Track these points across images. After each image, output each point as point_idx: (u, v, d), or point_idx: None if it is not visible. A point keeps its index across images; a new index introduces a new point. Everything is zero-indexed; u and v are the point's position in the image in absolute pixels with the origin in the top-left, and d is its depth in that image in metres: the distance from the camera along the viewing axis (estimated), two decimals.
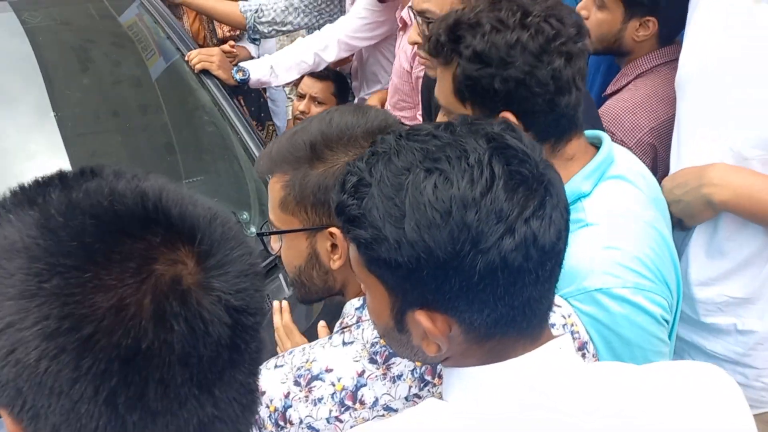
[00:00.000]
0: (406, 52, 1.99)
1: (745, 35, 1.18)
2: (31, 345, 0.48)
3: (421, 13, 1.43)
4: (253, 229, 1.77)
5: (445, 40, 1.00)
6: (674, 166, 1.28)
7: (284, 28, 2.50)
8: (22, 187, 0.56)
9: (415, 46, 1.68)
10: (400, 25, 2.08)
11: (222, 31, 2.99)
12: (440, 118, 1.07)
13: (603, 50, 1.56)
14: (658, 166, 1.43)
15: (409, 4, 1.63)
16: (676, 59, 1.33)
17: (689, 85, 1.26)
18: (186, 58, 2.13)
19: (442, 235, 0.62)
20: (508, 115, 0.98)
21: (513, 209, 0.63)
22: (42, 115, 1.90)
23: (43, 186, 0.55)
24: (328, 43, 2.24)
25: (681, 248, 1.28)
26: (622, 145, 1.30)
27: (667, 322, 1.02)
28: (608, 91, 1.57)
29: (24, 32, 2.02)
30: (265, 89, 2.91)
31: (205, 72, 2.13)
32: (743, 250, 1.23)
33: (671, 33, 1.51)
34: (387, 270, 0.66)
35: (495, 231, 0.62)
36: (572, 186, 1.02)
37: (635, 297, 0.97)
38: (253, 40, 2.63)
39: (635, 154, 1.34)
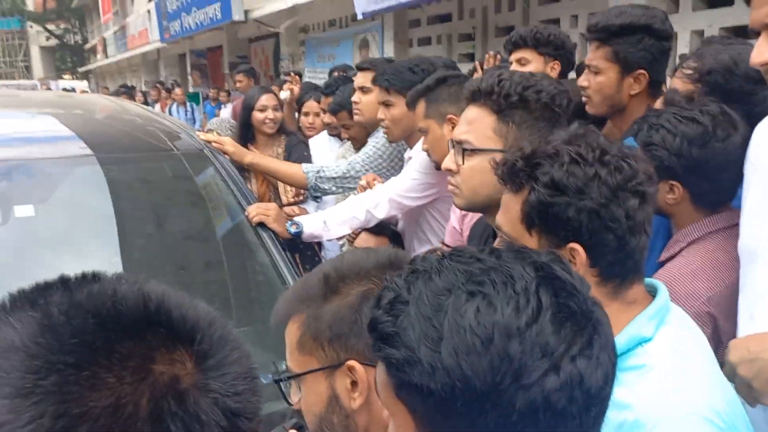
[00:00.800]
0: (456, 213, 2.04)
1: None
2: None
3: (458, 143, 1.46)
4: None
5: (521, 166, 1.01)
6: (744, 331, 1.20)
7: (345, 185, 2.64)
8: (22, 291, 0.57)
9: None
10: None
11: (286, 197, 3.16)
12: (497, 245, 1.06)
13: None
14: (721, 336, 1.35)
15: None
16: (730, 226, 1.31)
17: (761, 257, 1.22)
18: (245, 213, 2.23)
19: (482, 364, 0.58)
20: (577, 247, 0.97)
21: (560, 344, 0.59)
22: (110, 265, 1.99)
23: (44, 289, 0.56)
24: (380, 201, 2.32)
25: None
26: None
27: None
28: (662, 257, 1.54)
29: (106, 183, 2.18)
30: (320, 248, 3.00)
31: (262, 225, 2.22)
32: None
33: (713, 198, 1.51)
34: (418, 397, 0.61)
35: (539, 366, 0.58)
36: (633, 330, 0.97)
37: None
38: (315, 198, 2.76)
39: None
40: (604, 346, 0.62)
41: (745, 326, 1.23)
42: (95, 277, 0.58)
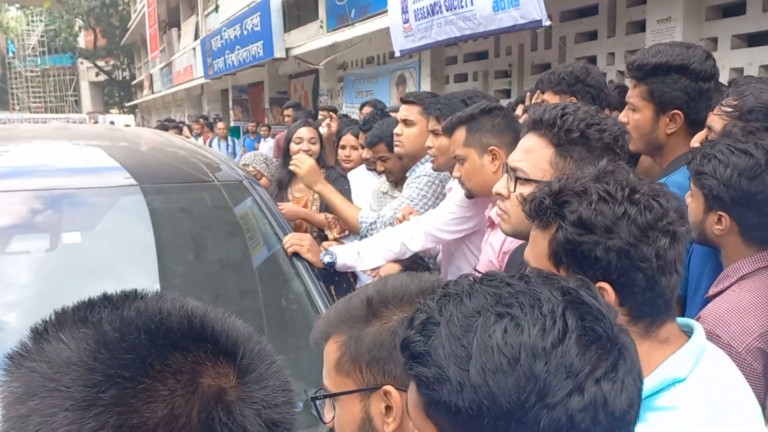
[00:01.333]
0: (493, 247, 2.04)
1: None
2: None
3: (513, 170, 1.45)
4: None
5: (549, 203, 1.01)
6: None
7: None
8: (67, 309, 0.60)
9: (502, 234, 1.71)
10: (488, 223, 2.15)
11: (332, 234, 3.21)
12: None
13: (697, 239, 1.56)
14: None
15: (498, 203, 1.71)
16: None
17: None
18: (282, 243, 2.27)
19: (508, 382, 0.60)
20: (605, 286, 0.95)
21: (584, 366, 0.61)
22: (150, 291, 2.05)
23: (91, 306, 0.59)
24: (415, 234, 2.34)
25: None
26: (728, 349, 1.24)
27: None
28: (710, 293, 1.52)
29: (148, 213, 2.26)
30: (356, 280, 3.03)
31: (297, 255, 2.26)
32: None
33: (762, 232, 1.49)
34: (446, 415, 0.63)
35: (563, 386, 0.60)
36: (667, 369, 0.96)
37: None
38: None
39: (745, 359, 1.27)
40: (629, 371, 0.63)
41: None
42: (138, 295, 0.62)
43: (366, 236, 2.64)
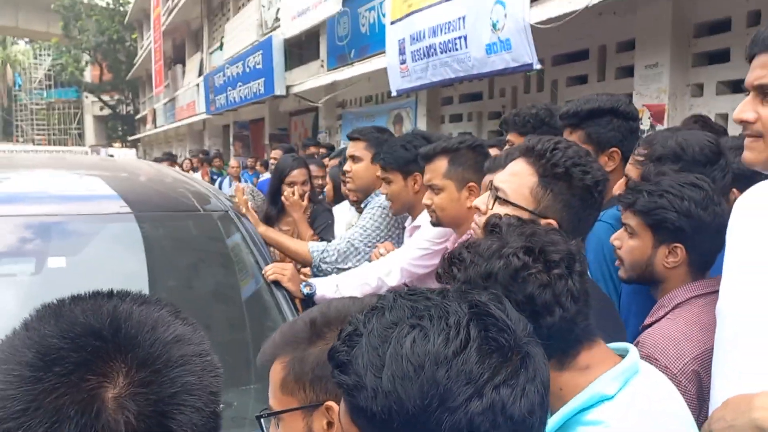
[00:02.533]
0: None
1: None
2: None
3: (496, 188, 1.49)
4: None
5: (440, 272, 1.07)
6: (718, 395, 1.24)
7: (345, 267, 2.70)
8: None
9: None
10: None
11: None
12: None
13: (637, 278, 1.62)
14: (704, 393, 1.38)
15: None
16: (712, 292, 1.36)
17: (729, 317, 1.27)
18: (263, 272, 2.33)
19: (413, 388, 0.65)
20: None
21: (484, 373, 0.66)
22: None
23: (67, 302, 0.69)
24: (392, 269, 2.40)
25: None
26: (666, 371, 1.28)
27: None
28: (646, 322, 1.58)
29: (141, 240, 2.33)
30: None
31: (276, 283, 2.31)
32: None
33: (703, 262, 1.57)
34: (365, 420, 0.69)
35: (463, 392, 0.65)
36: (593, 388, 1.01)
37: None
38: (316, 275, 2.82)
39: (681, 381, 1.33)
40: (531, 378, 0.68)
41: (716, 383, 1.27)
42: (107, 296, 0.69)
43: (318, 265, 2.69)
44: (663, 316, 1.53)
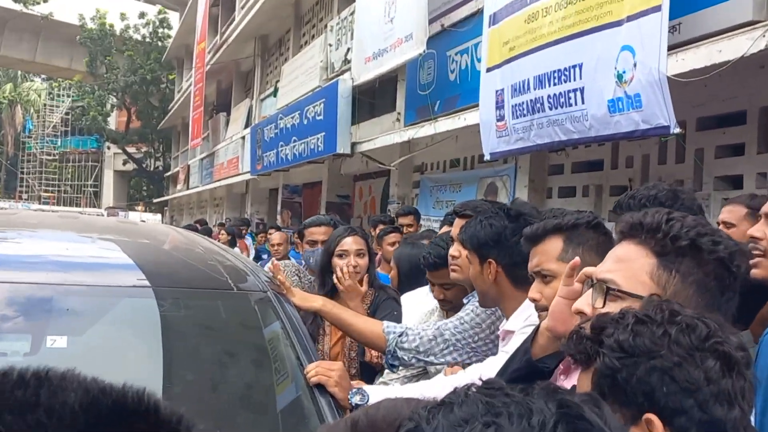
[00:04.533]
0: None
1: None
2: None
3: (602, 282, 1.49)
4: None
5: (587, 334, 1.17)
6: None
7: (427, 359, 2.71)
8: None
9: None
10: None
11: (370, 355, 3.28)
12: None
13: None
14: None
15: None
16: None
17: None
18: (305, 371, 2.37)
19: None
20: (652, 418, 1.08)
21: None
22: None
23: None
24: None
25: None
26: None
27: None
28: None
29: (159, 321, 2.45)
30: None
31: (320, 387, 2.33)
32: None
33: None
34: None
35: None
36: None
37: None
38: (391, 366, 2.84)
39: None
40: None
41: None
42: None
43: (394, 351, 2.70)
44: None
